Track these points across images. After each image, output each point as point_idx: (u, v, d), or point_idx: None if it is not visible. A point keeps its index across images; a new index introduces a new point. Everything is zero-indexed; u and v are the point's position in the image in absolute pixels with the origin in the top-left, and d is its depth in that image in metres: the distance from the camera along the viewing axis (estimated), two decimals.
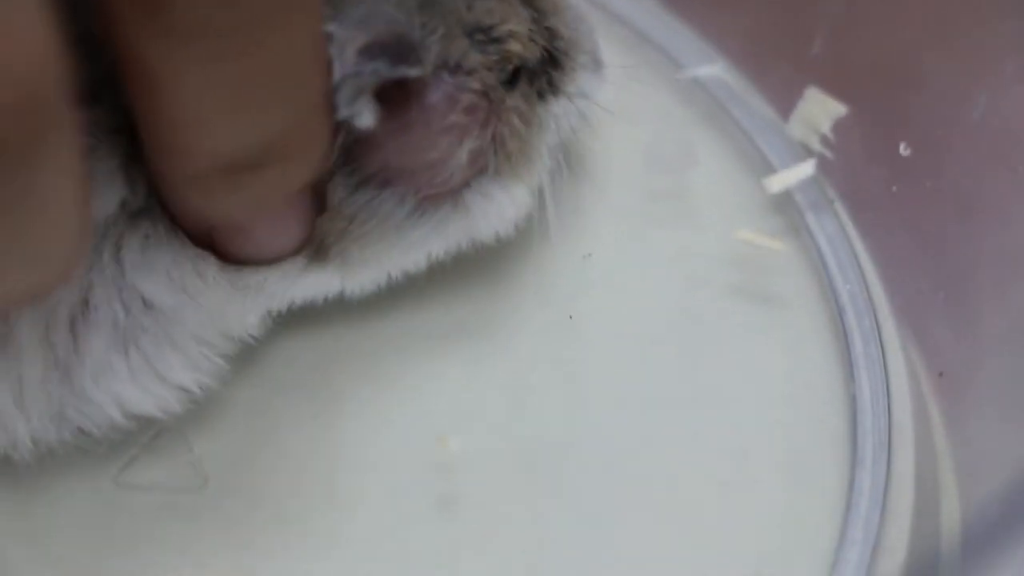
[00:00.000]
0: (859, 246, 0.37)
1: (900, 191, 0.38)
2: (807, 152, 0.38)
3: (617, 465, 0.34)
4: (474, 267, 0.36)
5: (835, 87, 0.38)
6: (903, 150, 0.37)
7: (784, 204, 0.38)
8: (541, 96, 0.34)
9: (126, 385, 0.32)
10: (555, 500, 0.34)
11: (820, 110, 0.38)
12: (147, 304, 0.32)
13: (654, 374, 0.36)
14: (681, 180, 0.38)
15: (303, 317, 0.35)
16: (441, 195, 0.33)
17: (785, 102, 0.39)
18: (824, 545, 0.33)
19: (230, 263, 0.32)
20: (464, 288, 0.37)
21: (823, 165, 0.38)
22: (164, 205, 0.31)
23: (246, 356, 0.35)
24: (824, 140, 0.38)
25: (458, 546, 0.33)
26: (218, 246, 0.32)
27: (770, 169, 0.39)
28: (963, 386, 0.35)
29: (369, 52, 0.29)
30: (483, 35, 0.33)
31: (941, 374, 0.36)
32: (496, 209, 0.34)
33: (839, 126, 0.38)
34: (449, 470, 0.34)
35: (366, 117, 0.30)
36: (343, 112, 0.29)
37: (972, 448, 0.35)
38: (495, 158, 0.33)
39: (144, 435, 0.34)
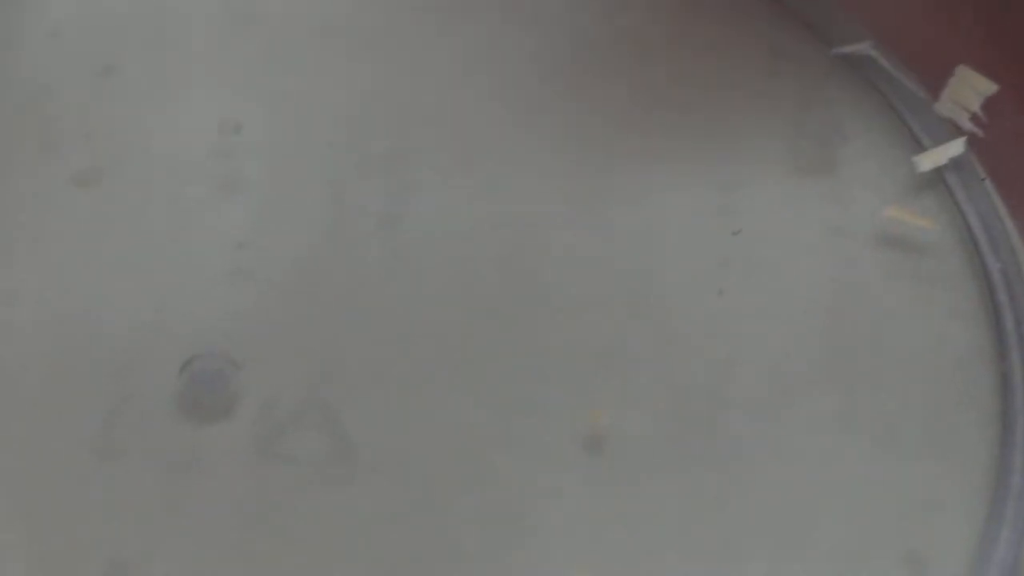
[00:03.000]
0: (1009, 224, 0.37)
1: None
2: (957, 130, 0.38)
3: (767, 439, 0.35)
4: (626, 239, 0.37)
5: (986, 65, 0.38)
6: None
7: (934, 182, 0.38)
8: None
9: None
10: (701, 473, 0.34)
11: (970, 88, 0.38)
12: None
13: (803, 351, 0.36)
14: (830, 157, 0.38)
15: (448, 298, 0.36)
16: None
17: (935, 80, 0.39)
18: (974, 524, 0.33)
19: None
20: (617, 263, 0.37)
21: (973, 143, 0.38)
22: None
23: (396, 329, 0.35)
24: (974, 118, 0.38)
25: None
26: None
27: (919, 147, 0.38)
28: None
29: None
30: None
31: None
32: None
33: (989, 104, 0.38)
34: (599, 445, 0.34)
35: None
36: None
37: None
38: None
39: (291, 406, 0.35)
